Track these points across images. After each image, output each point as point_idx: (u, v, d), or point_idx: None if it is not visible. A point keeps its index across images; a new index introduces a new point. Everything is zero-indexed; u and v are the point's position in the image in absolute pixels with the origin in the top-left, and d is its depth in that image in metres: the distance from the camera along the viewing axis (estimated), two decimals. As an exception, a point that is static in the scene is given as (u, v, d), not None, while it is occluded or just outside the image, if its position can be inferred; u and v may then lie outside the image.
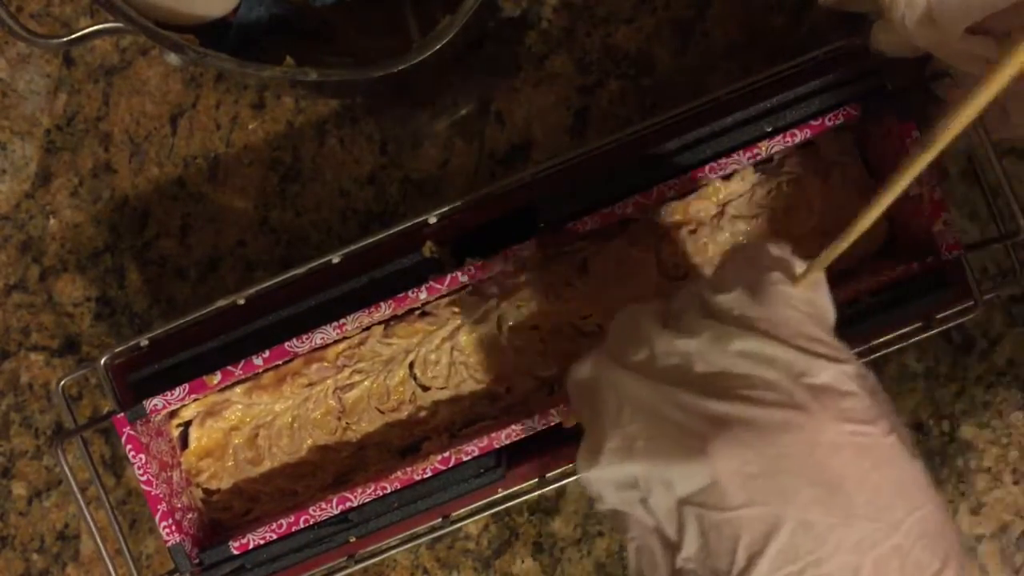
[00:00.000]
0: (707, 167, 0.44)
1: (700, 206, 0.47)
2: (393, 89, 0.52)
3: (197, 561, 0.45)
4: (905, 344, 0.46)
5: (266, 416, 0.48)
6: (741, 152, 0.44)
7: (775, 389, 0.30)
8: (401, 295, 0.44)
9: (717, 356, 0.31)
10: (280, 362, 0.45)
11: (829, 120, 0.44)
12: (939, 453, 0.51)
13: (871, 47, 0.44)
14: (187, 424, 0.48)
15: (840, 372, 0.31)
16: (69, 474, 0.46)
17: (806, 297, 0.33)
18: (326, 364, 0.48)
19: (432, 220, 0.46)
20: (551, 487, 0.47)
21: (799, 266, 0.34)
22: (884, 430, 0.31)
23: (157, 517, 0.44)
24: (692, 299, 0.34)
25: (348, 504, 0.44)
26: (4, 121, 0.54)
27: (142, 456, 0.44)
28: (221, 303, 0.46)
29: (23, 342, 0.55)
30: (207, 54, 0.43)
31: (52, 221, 0.54)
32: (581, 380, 0.36)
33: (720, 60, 0.52)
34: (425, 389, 0.48)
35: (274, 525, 0.45)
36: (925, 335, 0.46)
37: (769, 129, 0.44)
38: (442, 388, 0.48)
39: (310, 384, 0.48)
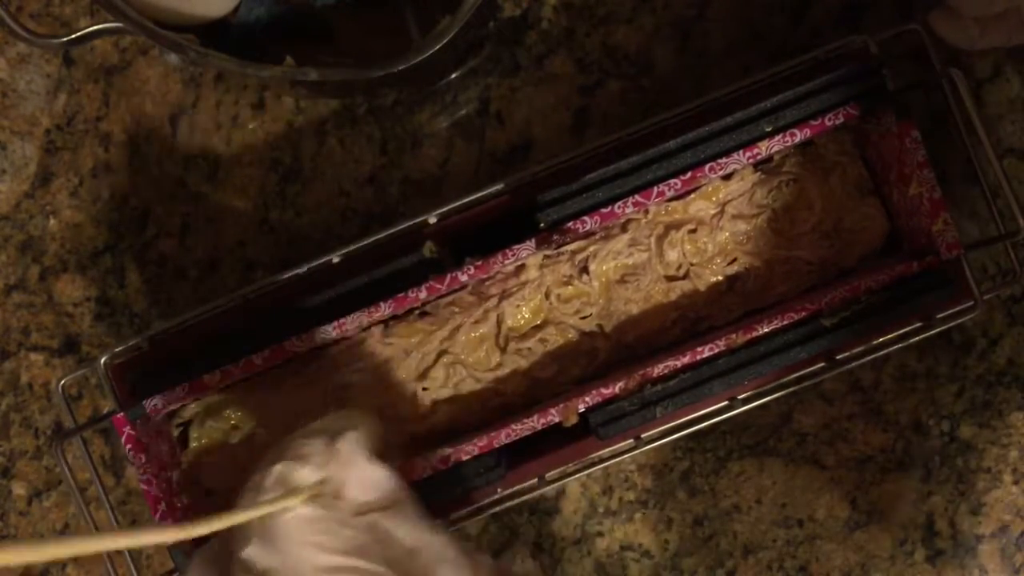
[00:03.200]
0: (707, 167, 0.44)
1: (700, 205, 0.47)
2: (393, 89, 0.52)
3: (197, 561, 0.45)
4: (905, 344, 0.46)
5: (266, 416, 0.48)
6: (741, 152, 0.44)
7: None
8: (401, 295, 0.44)
9: None
10: (280, 362, 0.45)
11: (829, 120, 0.44)
12: (939, 453, 0.51)
13: (935, 33, 0.45)
14: (187, 424, 0.48)
15: None
16: (69, 474, 0.46)
17: (311, 518, 0.32)
18: (326, 364, 0.48)
19: (432, 220, 0.46)
20: (551, 487, 0.47)
21: (301, 474, 0.33)
22: None
23: (157, 517, 0.44)
24: (236, 545, 0.33)
25: (348, 504, 0.44)
26: (4, 121, 0.54)
27: (142, 456, 0.44)
28: (221, 303, 0.47)
29: (23, 342, 0.55)
30: (207, 54, 0.43)
31: (52, 221, 0.54)
32: None
33: (720, 60, 0.52)
34: (424, 388, 0.48)
35: (274, 525, 0.45)
36: (925, 335, 0.46)
37: (769, 129, 0.44)
38: (441, 387, 0.48)
39: (309, 384, 0.48)
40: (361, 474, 0.34)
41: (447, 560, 0.33)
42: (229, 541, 0.34)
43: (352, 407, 0.42)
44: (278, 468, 0.33)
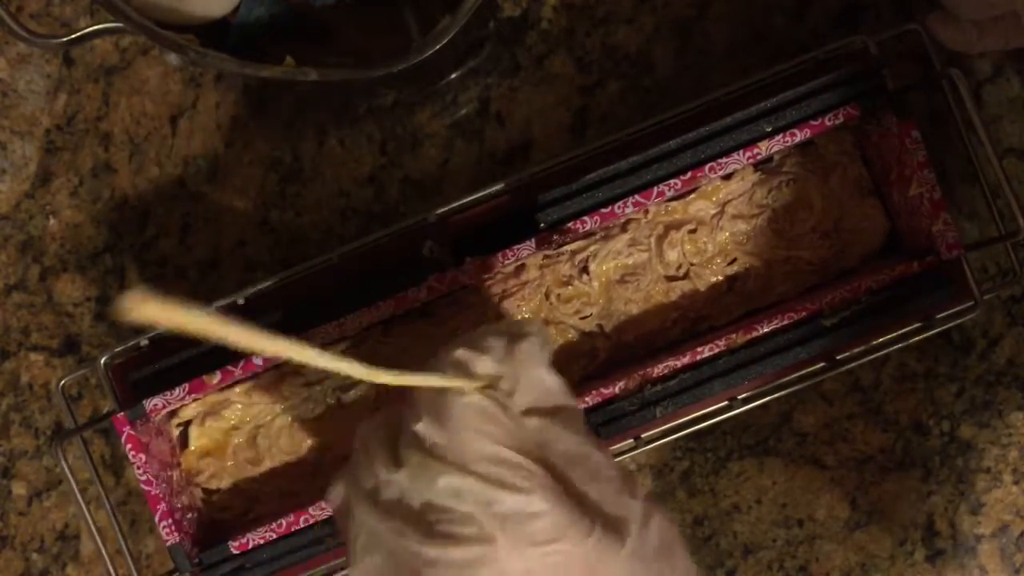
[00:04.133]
0: (707, 167, 0.44)
1: (700, 205, 0.47)
2: (393, 89, 0.52)
3: (197, 561, 0.45)
4: (905, 344, 0.46)
5: (266, 416, 0.48)
6: (741, 152, 0.44)
7: (470, 522, 0.31)
8: (401, 294, 0.44)
9: (422, 490, 0.32)
10: (280, 361, 0.45)
11: (829, 120, 0.44)
12: (939, 453, 0.51)
13: (932, 37, 0.45)
14: (187, 424, 0.48)
15: (523, 498, 0.32)
16: (69, 474, 0.46)
17: (482, 408, 0.33)
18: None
19: (432, 220, 0.46)
20: (551, 487, 0.47)
21: (480, 364, 0.34)
22: (580, 535, 0.32)
23: (157, 517, 0.44)
24: (408, 419, 0.34)
25: (348, 504, 0.44)
26: (4, 121, 0.54)
27: (142, 456, 0.44)
28: (221, 302, 0.47)
29: (23, 342, 0.55)
30: (207, 54, 0.43)
31: (52, 221, 0.54)
32: (335, 503, 0.36)
33: (720, 60, 0.52)
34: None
35: (274, 525, 0.45)
36: (925, 335, 0.46)
37: (769, 129, 0.44)
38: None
39: (309, 384, 0.48)
40: (535, 378, 0.35)
41: (605, 477, 0.34)
42: (398, 415, 0.35)
43: (530, 319, 0.43)
44: (459, 352, 0.34)
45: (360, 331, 0.47)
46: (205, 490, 0.48)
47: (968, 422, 0.51)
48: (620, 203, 0.44)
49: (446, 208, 0.46)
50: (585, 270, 0.47)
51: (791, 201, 0.48)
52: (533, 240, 0.44)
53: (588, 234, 0.46)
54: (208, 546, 0.45)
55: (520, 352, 0.35)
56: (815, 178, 0.47)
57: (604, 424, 0.44)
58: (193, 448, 0.48)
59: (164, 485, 0.45)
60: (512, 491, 0.31)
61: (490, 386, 0.34)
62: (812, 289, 0.48)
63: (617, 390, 0.44)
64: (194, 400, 0.47)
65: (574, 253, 0.47)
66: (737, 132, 0.44)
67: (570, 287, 0.48)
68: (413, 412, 0.34)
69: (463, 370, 0.34)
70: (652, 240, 0.47)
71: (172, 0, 0.44)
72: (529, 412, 0.34)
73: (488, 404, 0.33)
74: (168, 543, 0.44)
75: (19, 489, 0.54)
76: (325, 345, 0.46)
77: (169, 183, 0.54)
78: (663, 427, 0.46)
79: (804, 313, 0.44)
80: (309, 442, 0.48)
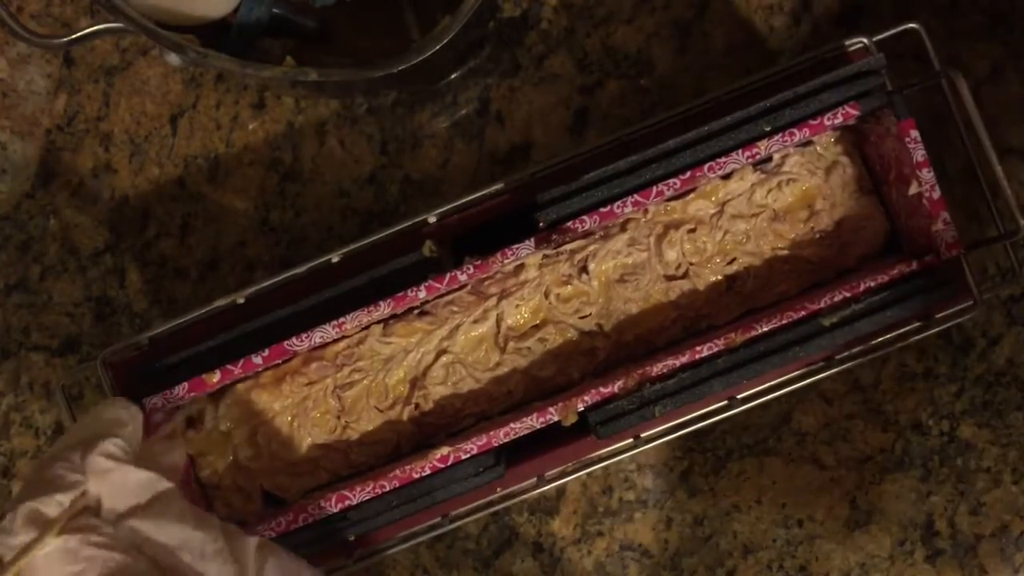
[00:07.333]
0: (706, 166, 0.44)
1: (699, 205, 0.47)
2: (393, 89, 0.52)
3: (197, 560, 0.45)
4: (905, 344, 0.46)
5: (266, 415, 0.48)
6: (740, 151, 0.44)
7: None
8: (400, 294, 0.44)
9: None
10: (279, 361, 0.45)
11: (828, 119, 0.44)
12: (939, 453, 0.51)
13: None
14: (187, 422, 0.48)
15: None
16: (69, 473, 0.46)
17: (65, 551, 0.32)
18: (325, 363, 0.48)
19: (432, 220, 0.46)
20: (550, 486, 0.47)
21: (51, 507, 0.33)
22: None
23: (157, 516, 0.44)
24: None
25: (347, 503, 0.44)
26: (4, 121, 0.55)
27: (142, 455, 0.44)
28: (221, 302, 0.47)
29: (23, 342, 0.55)
30: (207, 54, 0.43)
31: (52, 221, 0.54)
32: None
33: (720, 60, 0.52)
34: (424, 387, 0.48)
35: (273, 523, 0.45)
36: (925, 335, 0.46)
37: (768, 128, 0.44)
38: (440, 386, 0.48)
39: (309, 383, 0.48)
40: (119, 481, 0.35)
41: (209, 555, 0.35)
42: None
43: (114, 399, 0.42)
44: (25, 508, 0.33)
45: (359, 330, 0.47)
46: (204, 488, 0.48)
47: (968, 422, 0.51)
48: (619, 202, 0.44)
49: (446, 208, 0.46)
50: (584, 269, 0.47)
51: (790, 201, 0.48)
52: (532, 239, 0.44)
53: (587, 233, 0.46)
54: (208, 545, 0.45)
55: (96, 462, 0.34)
56: (815, 178, 0.47)
57: (603, 423, 0.44)
58: (193, 447, 0.48)
59: (164, 484, 0.45)
60: None
61: (75, 514, 0.33)
62: (812, 289, 0.48)
63: (616, 389, 0.44)
64: (194, 399, 0.47)
65: (573, 252, 0.47)
66: (736, 131, 0.44)
67: (569, 286, 0.48)
68: None
69: (35, 522, 0.33)
70: (651, 239, 0.47)
71: (172, 0, 0.44)
72: (123, 517, 0.34)
73: (70, 542, 0.32)
74: (168, 542, 0.44)
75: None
76: (325, 345, 0.46)
77: (169, 183, 0.54)
78: (663, 427, 0.46)
79: (803, 313, 0.44)
80: (308, 441, 0.48)
